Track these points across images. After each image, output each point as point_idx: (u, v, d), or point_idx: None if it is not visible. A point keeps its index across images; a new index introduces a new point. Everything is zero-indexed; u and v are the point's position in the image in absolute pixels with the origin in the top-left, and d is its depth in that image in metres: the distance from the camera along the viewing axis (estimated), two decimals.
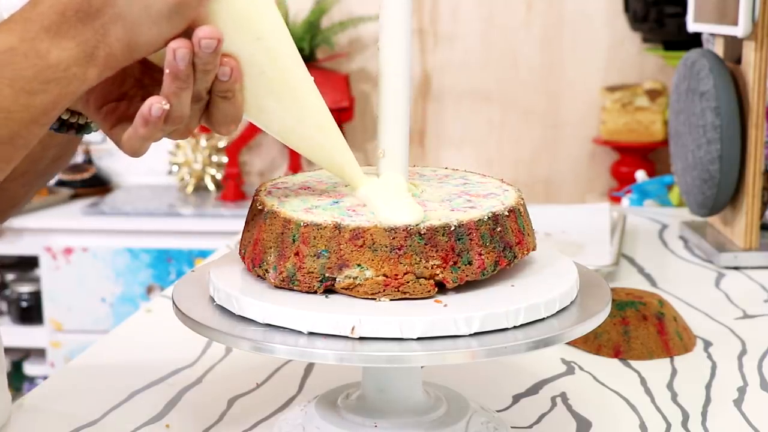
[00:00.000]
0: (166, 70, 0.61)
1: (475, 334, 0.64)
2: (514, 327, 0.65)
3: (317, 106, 0.68)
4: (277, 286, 0.68)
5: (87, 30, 0.58)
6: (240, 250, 0.72)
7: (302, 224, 0.66)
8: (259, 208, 0.70)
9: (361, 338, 0.63)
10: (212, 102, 0.65)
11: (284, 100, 0.67)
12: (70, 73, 0.58)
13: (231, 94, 0.64)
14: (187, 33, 0.62)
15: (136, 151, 0.64)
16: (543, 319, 0.67)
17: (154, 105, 0.61)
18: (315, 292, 0.66)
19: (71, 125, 0.70)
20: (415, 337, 0.63)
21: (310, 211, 0.68)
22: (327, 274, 0.66)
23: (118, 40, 0.59)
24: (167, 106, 0.62)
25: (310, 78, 0.68)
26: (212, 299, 0.71)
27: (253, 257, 0.70)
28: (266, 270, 0.68)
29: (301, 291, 0.67)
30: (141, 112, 0.62)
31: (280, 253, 0.67)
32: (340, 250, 0.65)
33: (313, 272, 0.66)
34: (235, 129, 0.67)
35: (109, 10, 0.58)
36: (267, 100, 0.66)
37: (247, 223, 0.72)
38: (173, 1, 0.59)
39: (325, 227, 0.66)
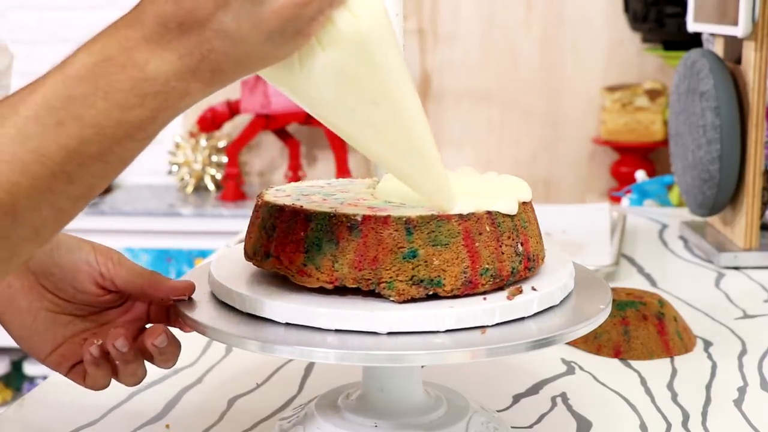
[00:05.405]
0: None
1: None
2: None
3: (431, 158, 0.66)
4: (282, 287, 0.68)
5: (190, 42, 0.52)
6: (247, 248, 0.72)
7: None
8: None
9: (361, 336, 0.63)
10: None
11: (396, 150, 0.65)
12: (169, 86, 0.53)
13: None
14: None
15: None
16: (543, 318, 0.67)
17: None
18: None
19: None
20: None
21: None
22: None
23: (226, 55, 0.53)
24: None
25: (427, 128, 0.65)
26: (212, 298, 0.71)
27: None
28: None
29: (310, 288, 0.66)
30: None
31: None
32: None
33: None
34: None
35: (214, 25, 0.52)
36: (376, 147, 0.65)
37: (254, 222, 0.72)
38: (286, 16, 0.53)
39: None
